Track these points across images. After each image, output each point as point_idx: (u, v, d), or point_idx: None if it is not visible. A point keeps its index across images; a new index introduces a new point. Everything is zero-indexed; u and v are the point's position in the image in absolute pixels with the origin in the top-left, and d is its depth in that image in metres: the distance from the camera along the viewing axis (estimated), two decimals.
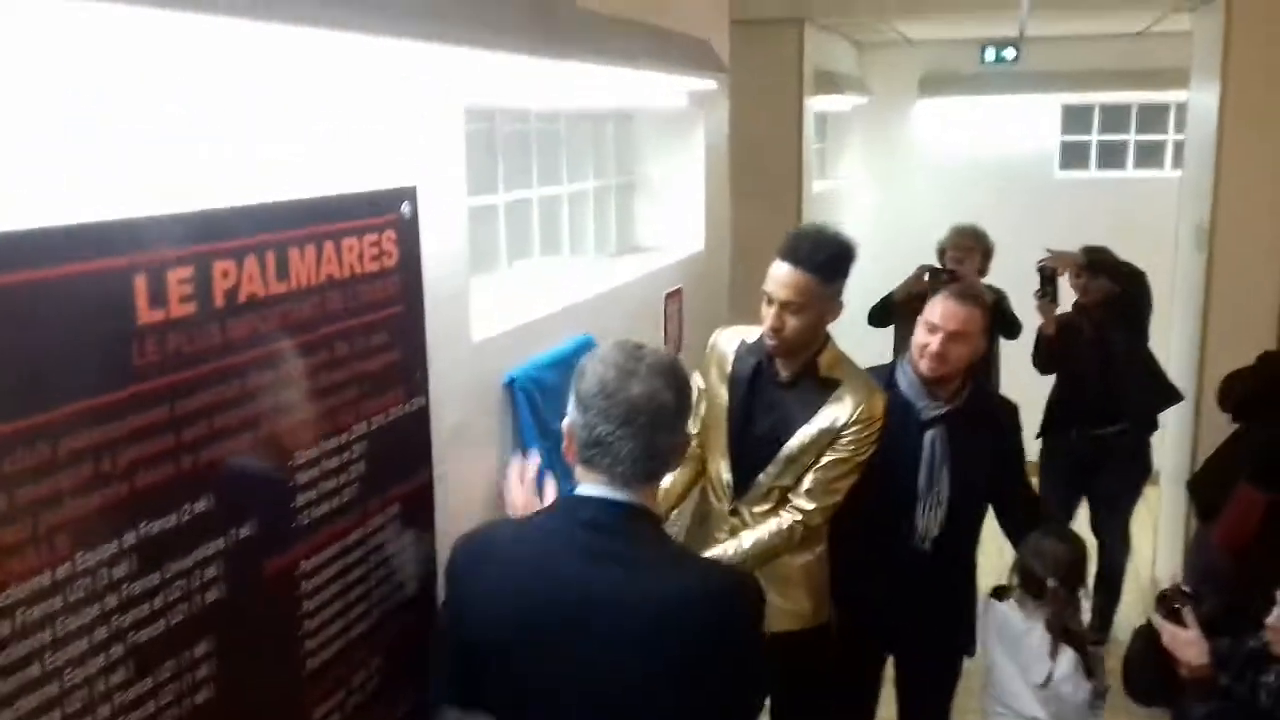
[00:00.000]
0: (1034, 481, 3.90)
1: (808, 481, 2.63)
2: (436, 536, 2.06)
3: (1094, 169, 7.91)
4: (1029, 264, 4.78)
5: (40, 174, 1.18)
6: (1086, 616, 3.70)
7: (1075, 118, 7.85)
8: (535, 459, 2.22)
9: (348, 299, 1.75)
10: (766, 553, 2.64)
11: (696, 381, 2.72)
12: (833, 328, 2.70)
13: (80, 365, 1.24)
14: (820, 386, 2.65)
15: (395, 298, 1.88)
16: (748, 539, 2.63)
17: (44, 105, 1.17)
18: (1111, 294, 4.55)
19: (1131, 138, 7.85)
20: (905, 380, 3.01)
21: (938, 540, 3.00)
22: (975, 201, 6.65)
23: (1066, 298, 4.81)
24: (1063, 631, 3.03)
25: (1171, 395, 4.75)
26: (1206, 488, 3.88)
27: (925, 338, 2.96)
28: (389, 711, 1.94)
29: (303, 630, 1.69)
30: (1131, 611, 4.96)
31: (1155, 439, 4.92)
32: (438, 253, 2.01)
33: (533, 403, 2.38)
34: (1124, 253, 4.72)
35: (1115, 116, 7.84)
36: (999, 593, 3.21)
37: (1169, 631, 2.72)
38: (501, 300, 2.56)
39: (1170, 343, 5.29)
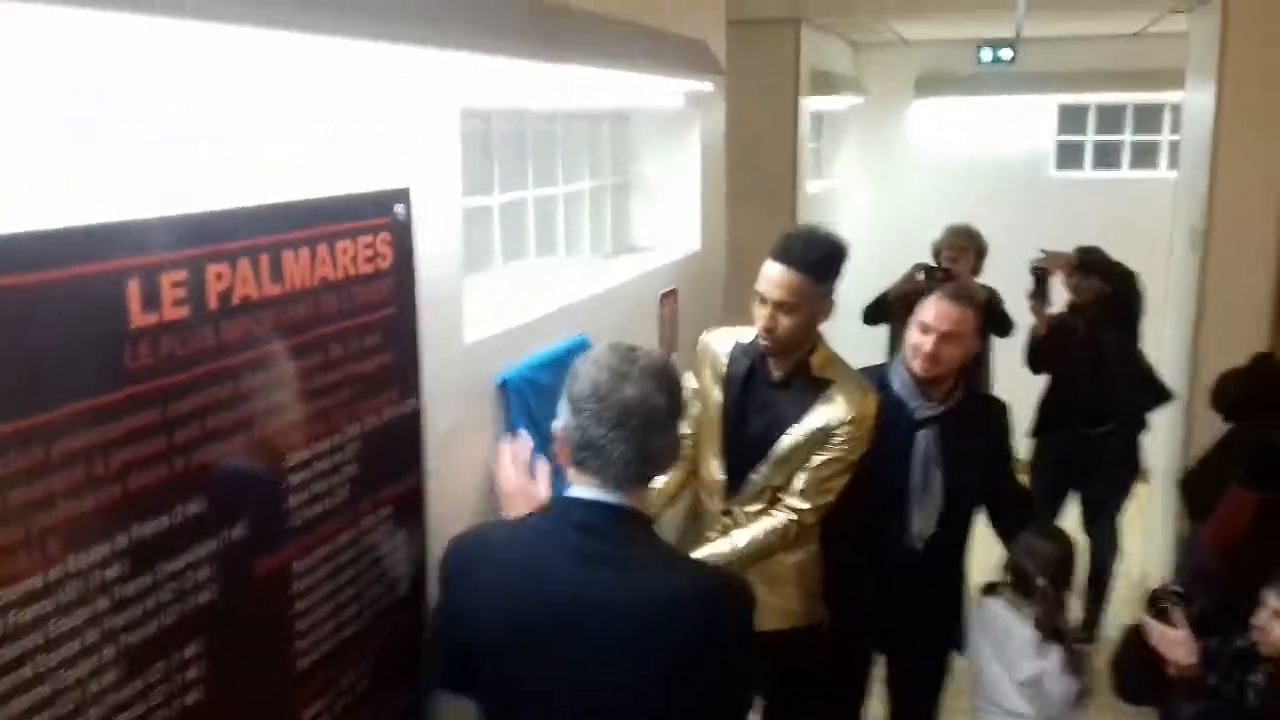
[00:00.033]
0: (1024, 480, 3.92)
1: (801, 481, 2.64)
2: (428, 537, 2.07)
3: (1089, 169, 7.91)
4: (1024, 263, 4.80)
5: (32, 177, 1.18)
6: (1076, 615, 3.71)
7: (1071, 118, 7.85)
8: (527, 441, 2.23)
9: (341, 301, 1.76)
10: (761, 551, 2.65)
11: (689, 382, 2.73)
12: (828, 327, 2.71)
13: (73, 368, 1.25)
14: (813, 386, 2.66)
15: (389, 299, 1.89)
16: (742, 538, 2.64)
17: (35, 108, 1.17)
18: (1103, 294, 4.57)
19: (1127, 138, 7.85)
20: (899, 380, 3.02)
21: (930, 540, 3.01)
22: (971, 201, 6.67)
23: (1060, 298, 4.84)
24: (1051, 631, 3.05)
25: (1163, 395, 4.77)
26: (1198, 488, 3.89)
27: (918, 338, 2.97)
28: (379, 712, 1.95)
29: (293, 631, 1.70)
30: (1121, 610, 4.97)
31: (1147, 438, 4.94)
32: (432, 255, 2.02)
33: (526, 403, 2.38)
34: (1119, 252, 4.73)
35: (1111, 117, 7.84)
36: (989, 590, 3.23)
37: (1158, 631, 2.74)
38: (496, 301, 2.57)
39: (1164, 342, 5.30)
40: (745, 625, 1.77)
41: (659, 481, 2.56)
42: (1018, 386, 4.59)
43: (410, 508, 2.01)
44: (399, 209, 1.91)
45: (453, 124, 2.11)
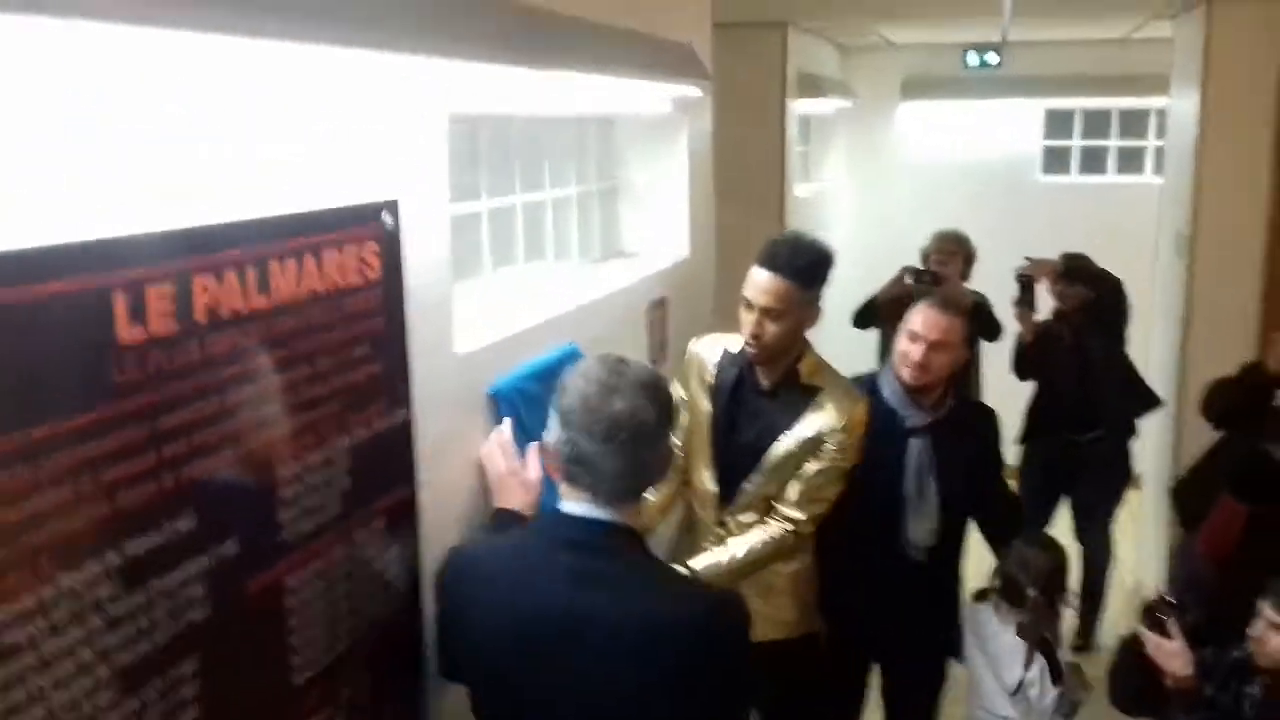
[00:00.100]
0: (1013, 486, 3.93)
1: (795, 491, 2.64)
2: (422, 548, 2.05)
3: (1075, 174, 7.94)
4: (1010, 268, 4.81)
5: (15, 193, 1.16)
6: (1068, 625, 3.72)
7: (1057, 122, 7.89)
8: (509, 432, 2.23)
9: (329, 312, 1.74)
10: (759, 561, 2.64)
11: (676, 391, 2.72)
12: (817, 331, 2.71)
13: (60, 384, 1.23)
14: (802, 393, 2.66)
15: (377, 310, 1.87)
16: (740, 548, 2.63)
17: (16, 124, 1.16)
18: (1089, 301, 4.58)
19: (1113, 143, 7.89)
20: (889, 388, 3.02)
21: (925, 548, 3.01)
22: (957, 205, 6.69)
23: (1045, 305, 4.85)
24: (1036, 639, 3.05)
25: (1150, 401, 4.78)
26: (1189, 496, 3.90)
27: (907, 346, 2.97)
28: None
29: (288, 646, 1.68)
30: (1117, 620, 4.98)
31: (1136, 445, 4.95)
32: (420, 264, 2.00)
33: (516, 414, 2.37)
34: (1105, 257, 4.74)
35: (1097, 122, 7.88)
36: (979, 596, 3.23)
37: (1153, 642, 2.74)
38: (486, 308, 2.55)
39: (1151, 348, 5.32)
40: (741, 641, 1.76)
41: (652, 494, 2.55)
42: (1006, 393, 4.60)
43: (403, 519, 1.99)
44: (387, 218, 1.89)
45: (440, 131, 2.10)
